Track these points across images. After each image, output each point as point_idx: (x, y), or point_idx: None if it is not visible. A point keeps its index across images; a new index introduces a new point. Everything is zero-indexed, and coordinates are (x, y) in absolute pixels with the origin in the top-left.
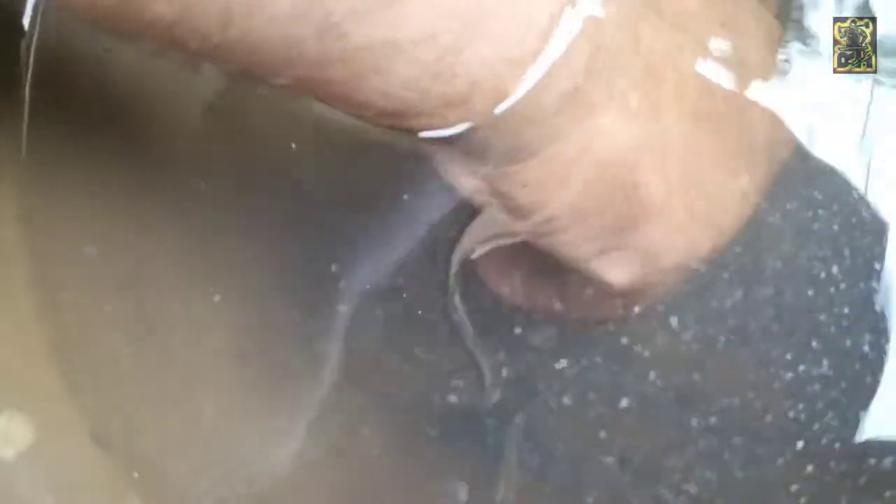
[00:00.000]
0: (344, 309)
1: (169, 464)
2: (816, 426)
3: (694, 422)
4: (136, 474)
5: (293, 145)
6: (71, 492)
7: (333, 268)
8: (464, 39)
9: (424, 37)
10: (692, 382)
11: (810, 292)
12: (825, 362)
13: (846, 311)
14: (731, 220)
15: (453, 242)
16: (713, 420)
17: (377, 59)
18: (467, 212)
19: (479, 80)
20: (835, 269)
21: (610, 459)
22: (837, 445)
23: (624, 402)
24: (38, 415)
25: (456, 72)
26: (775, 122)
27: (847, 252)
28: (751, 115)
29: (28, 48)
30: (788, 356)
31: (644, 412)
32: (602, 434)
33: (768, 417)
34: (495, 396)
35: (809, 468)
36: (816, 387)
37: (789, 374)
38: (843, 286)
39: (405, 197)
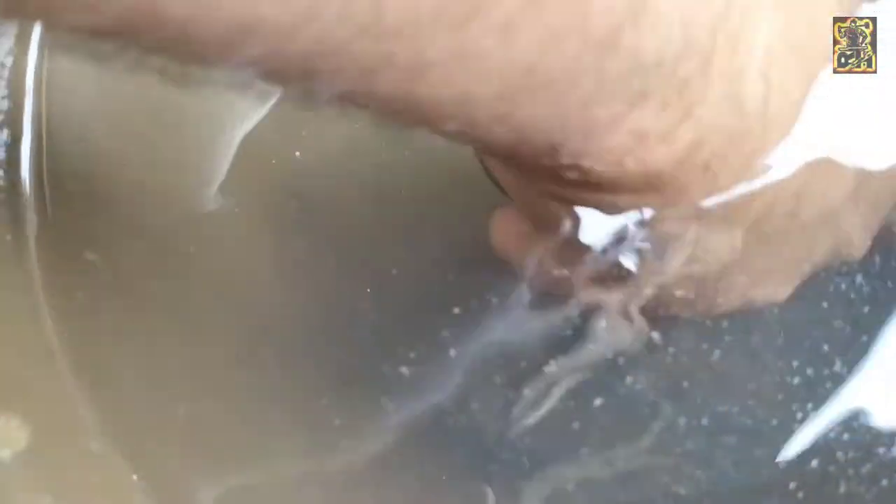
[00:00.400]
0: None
1: (169, 465)
2: (826, 422)
3: (682, 421)
4: (135, 476)
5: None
6: (69, 493)
7: None
8: (509, 106)
9: (457, 99)
10: (680, 389)
11: (825, 304)
12: (838, 361)
13: (866, 310)
14: (727, 308)
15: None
16: (705, 421)
17: (404, 109)
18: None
19: (528, 140)
20: (859, 278)
21: (585, 451)
22: (846, 436)
23: (598, 402)
24: (36, 416)
25: (497, 129)
26: (849, 236)
27: (878, 259)
28: (822, 234)
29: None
30: (795, 363)
31: (622, 410)
32: (575, 425)
33: (773, 422)
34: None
35: (814, 463)
36: (828, 385)
37: (797, 380)
38: (866, 290)
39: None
